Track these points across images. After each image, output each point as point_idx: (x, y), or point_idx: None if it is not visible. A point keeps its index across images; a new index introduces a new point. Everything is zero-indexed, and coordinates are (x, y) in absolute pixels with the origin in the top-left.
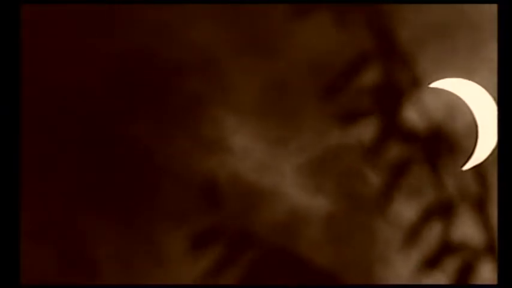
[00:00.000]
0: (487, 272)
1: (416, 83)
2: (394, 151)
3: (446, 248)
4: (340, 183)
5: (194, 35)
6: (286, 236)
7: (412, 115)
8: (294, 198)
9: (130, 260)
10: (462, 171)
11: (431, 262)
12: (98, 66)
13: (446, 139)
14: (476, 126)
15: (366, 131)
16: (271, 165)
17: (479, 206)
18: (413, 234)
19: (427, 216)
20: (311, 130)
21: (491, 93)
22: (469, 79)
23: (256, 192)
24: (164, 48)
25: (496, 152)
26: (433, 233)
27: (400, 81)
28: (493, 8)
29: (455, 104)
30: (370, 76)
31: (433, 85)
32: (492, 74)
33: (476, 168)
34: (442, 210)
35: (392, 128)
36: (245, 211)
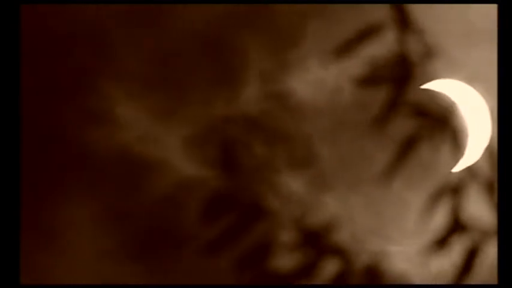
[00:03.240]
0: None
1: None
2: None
3: (334, 224)
4: (227, 154)
5: (81, 5)
6: (172, 208)
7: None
8: (181, 170)
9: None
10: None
11: (315, 236)
12: None
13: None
14: (466, 127)
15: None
16: (157, 136)
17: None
18: (302, 207)
19: (315, 190)
20: (197, 101)
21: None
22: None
23: (142, 164)
24: (50, 19)
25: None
26: (323, 208)
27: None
28: None
29: (446, 105)
30: (256, 48)
31: (424, 86)
32: None
33: None
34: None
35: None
36: (131, 183)
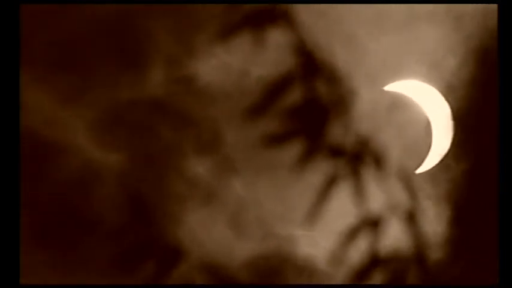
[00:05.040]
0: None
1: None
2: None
3: (241, 206)
4: (133, 138)
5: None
6: (78, 192)
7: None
8: (87, 154)
9: None
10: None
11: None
12: None
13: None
14: (430, 129)
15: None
16: (63, 120)
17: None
18: (208, 191)
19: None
20: (103, 85)
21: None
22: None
23: (48, 147)
24: None
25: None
26: (229, 192)
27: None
28: None
29: (410, 107)
30: (162, 33)
31: (387, 88)
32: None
33: None
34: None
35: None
36: (37, 166)
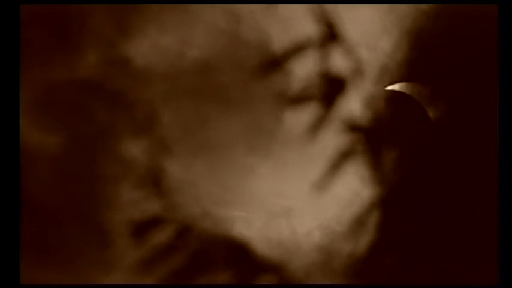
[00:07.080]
0: None
1: None
2: None
3: (184, 189)
4: (68, 119)
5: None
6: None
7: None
8: (22, 135)
9: None
10: None
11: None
12: None
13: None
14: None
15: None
16: None
17: None
18: (143, 172)
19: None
20: (37, 66)
21: None
22: None
23: None
24: None
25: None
26: (165, 173)
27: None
28: None
29: (411, 107)
30: (97, 14)
31: (389, 88)
32: None
33: None
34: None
35: None
36: None
